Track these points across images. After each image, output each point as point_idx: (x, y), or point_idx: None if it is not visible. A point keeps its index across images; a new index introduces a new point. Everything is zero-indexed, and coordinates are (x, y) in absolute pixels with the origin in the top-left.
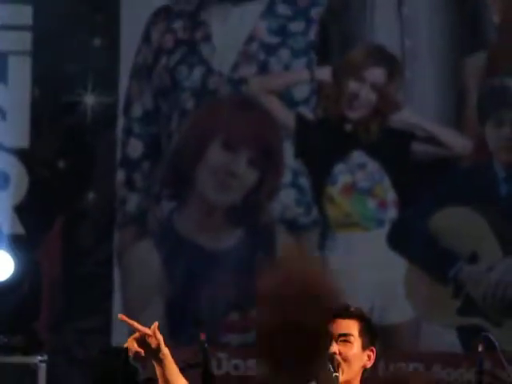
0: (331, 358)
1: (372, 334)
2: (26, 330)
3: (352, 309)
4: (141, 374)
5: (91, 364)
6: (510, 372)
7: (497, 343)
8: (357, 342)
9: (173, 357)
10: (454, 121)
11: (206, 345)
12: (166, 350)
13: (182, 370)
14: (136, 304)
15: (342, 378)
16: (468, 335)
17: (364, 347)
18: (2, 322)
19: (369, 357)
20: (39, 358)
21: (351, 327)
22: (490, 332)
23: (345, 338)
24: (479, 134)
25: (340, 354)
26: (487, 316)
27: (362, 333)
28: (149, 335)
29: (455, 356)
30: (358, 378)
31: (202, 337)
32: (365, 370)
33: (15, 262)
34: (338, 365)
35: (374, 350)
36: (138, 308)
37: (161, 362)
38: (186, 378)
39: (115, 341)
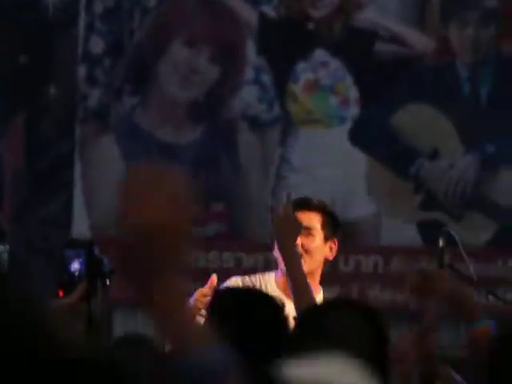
0: None
1: (334, 226)
2: None
3: (314, 201)
4: (106, 266)
5: (53, 255)
6: (469, 265)
7: (457, 237)
8: (319, 234)
9: None
10: (418, 20)
11: None
12: None
13: None
14: (96, 197)
15: (304, 269)
16: (428, 230)
17: (326, 239)
18: None
19: (331, 248)
20: (1, 247)
21: (313, 220)
22: (450, 226)
23: (307, 231)
24: (442, 33)
25: (302, 246)
26: (448, 210)
27: (324, 225)
28: None
29: (415, 250)
30: (320, 270)
31: None
32: (326, 261)
33: None
34: (301, 256)
35: (336, 241)
36: (98, 201)
37: None
38: None
39: (75, 232)
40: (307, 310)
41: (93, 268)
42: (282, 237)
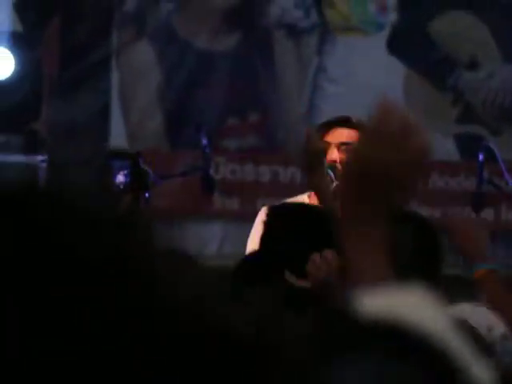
0: (332, 166)
1: None
2: (26, 129)
3: (354, 119)
4: (151, 178)
5: (92, 165)
6: (509, 181)
7: (497, 152)
8: None
9: (173, 159)
10: None
11: (208, 150)
12: None
13: (184, 174)
14: (134, 105)
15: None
16: (466, 143)
17: None
18: (1, 120)
19: None
20: (40, 157)
21: (353, 137)
22: (489, 140)
23: (346, 146)
24: None
25: (340, 162)
26: (486, 124)
27: None
28: None
29: (453, 164)
30: None
31: (204, 142)
32: None
33: (15, 60)
34: (339, 172)
35: None
36: (137, 109)
37: None
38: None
39: (113, 142)
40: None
41: (138, 180)
42: (308, 171)
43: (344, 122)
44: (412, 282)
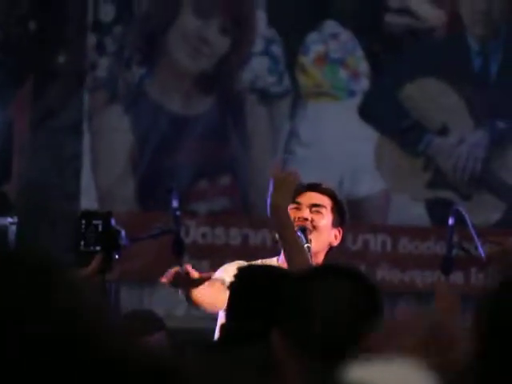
0: (302, 225)
1: (342, 215)
2: None
3: (324, 185)
4: (123, 239)
5: (66, 225)
6: (479, 245)
7: (467, 216)
8: (328, 216)
9: (143, 221)
10: None
11: (178, 212)
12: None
13: (155, 236)
14: (105, 168)
15: (313, 247)
16: (437, 208)
17: (334, 224)
18: None
19: (335, 236)
20: (9, 219)
21: (324, 200)
22: (459, 205)
23: (317, 208)
24: (453, 6)
25: (311, 221)
26: (457, 189)
27: (333, 210)
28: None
29: (423, 229)
30: (323, 254)
31: (175, 204)
32: (330, 248)
33: None
34: (309, 232)
35: (341, 231)
36: (107, 172)
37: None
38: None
39: (84, 204)
40: (292, 276)
41: (109, 240)
42: (275, 197)
43: (315, 186)
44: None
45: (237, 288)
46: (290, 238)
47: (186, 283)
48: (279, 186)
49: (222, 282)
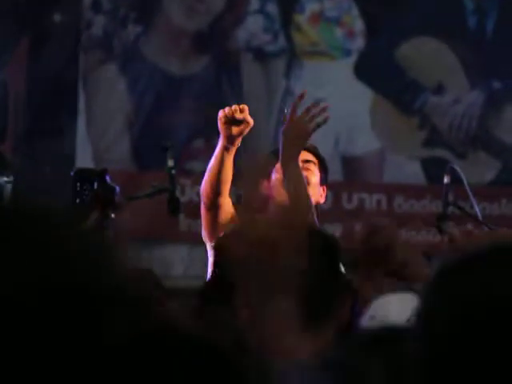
0: None
1: (326, 173)
2: None
3: (309, 144)
4: (118, 195)
5: (61, 184)
6: (474, 203)
7: (462, 175)
8: (316, 173)
9: (139, 180)
10: None
11: (174, 171)
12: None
13: (150, 195)
14: (101, 127)
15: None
16: (432, 167)
17: (321, 182)
18: None
19: (321, 195)
20: (5, 178)
21: (311, 157)
22: (454, 163)
23: (308, 165)
24: None
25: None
26: (452, 148)
27: (319, 168)
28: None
29: (419, 187)
30: (315, 213)
31: (170, 163)
32: (317, 205)
33: None
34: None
35: (325, 189)
36: (103, 131)
37: (228, 150)
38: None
39: (79, 164)
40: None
41: (105, 197)
42: (288, 144)
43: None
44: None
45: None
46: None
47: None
48: (293, 137)
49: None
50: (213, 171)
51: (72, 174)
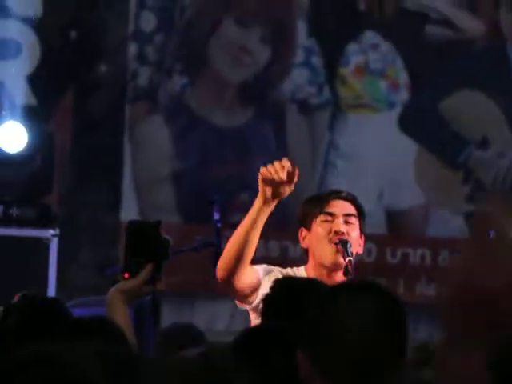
0: (343, 238)
1: (364, 220)
2: (38, 203)
3: (347, 193)
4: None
5: (102, 238)
6: None
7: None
8: (357, 225)
9: (183, 233)
10: (469, 3)
11: (219, 224)
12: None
13: (196, 249)
14: (146, 179)
15: (340, 260)
16: None
17: (361, 231)
18: (14, 194)
19: (360, 245)
20: (51, 231)
21: (352, 209)
22: None
23: (349, 218)
24: (493, 17)
25: (347, 233)
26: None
27: (359, 216)
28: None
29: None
30: (352, 264)
31: (216, 216)
32: (356, 256)
33: (29, 134)
34: (350, 245)
35: (364, 238)
36: (148, 183)
37: (268, 206)
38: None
39: (124, 216)
40: (321, 291)
41: (160, 249)
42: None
43: (340, 194)
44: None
45: (270, 302)
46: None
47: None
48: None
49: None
50: (238, 240)
51: (126, 225)
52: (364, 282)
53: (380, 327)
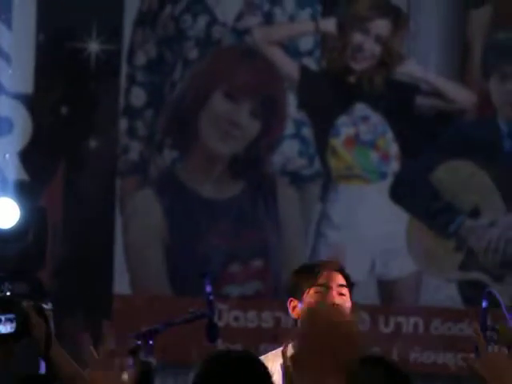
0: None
1: (352, 288)
2: (31, 278)
3: (336, 264)
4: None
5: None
6: None
7: (500, 299)
8: (347, 294)
9: (175, 306)
10: (458, 74)
11: (212, 297)
12: None
13: (188, 321)
14: (137, 252)
15: None
16: (469, 290)
17: (350, 301)
18: (6, 269)
19: (351, 311)
20: (45, 306)
21: (342, 279)
22: (491, 287)
23: (342, 289)
24: (483, 88)
25: (340, 306)
26: (488, 271)
27: (349, 288)
28: None
29: (456, 311)
30: None
31: (208, 288)
32: None
33: (20, 209)
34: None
35: (353, 305)
36: (140, 256)
37: None
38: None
39: (117, 289)
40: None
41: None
42: None
43: (332, 265)
44: None
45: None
46: None
47: None
48: None
49: None
50: None
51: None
52: (377, 357)
53: None
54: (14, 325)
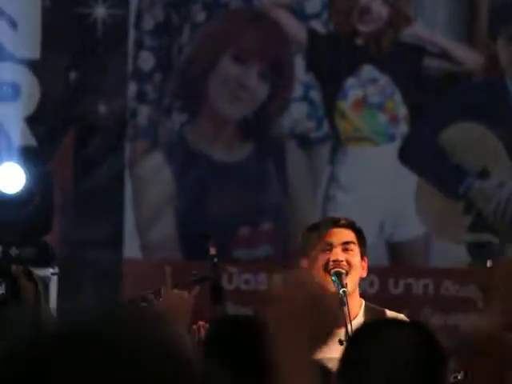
0: (337, 270)
1: (365, 244)
2: (38, 242)
3: (345, 220)
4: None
5: (103, 277)
6: None
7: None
8: (357, 250)
9: (183, 269)
10: (466, 35)
11: (216, 259)
12: None
13: (194, 284)
14: (147, 217)
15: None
16: (478, 251)
17: (361, 257)
18: (13, 234)
19: (363, 267)
20: (51, 270)
21: (351, 236)
22: (500, 248)
23: (348, 245)
24: (491, 49)
25: (346, 261)
26: (497, 232)
27: (358, 242)
28: None
29: (465, 272)
30: (357, 290)
31: (212, 251)
32: (360, 279)
33: (27, 175)
34: (346, 273)
35: (366, 260)
36: (149, 220)
37: None
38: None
39: (127, 253)
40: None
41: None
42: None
43: (336, 222)
44: None
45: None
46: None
47: None
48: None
49: None
50: None
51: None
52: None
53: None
54: (2, 287)
